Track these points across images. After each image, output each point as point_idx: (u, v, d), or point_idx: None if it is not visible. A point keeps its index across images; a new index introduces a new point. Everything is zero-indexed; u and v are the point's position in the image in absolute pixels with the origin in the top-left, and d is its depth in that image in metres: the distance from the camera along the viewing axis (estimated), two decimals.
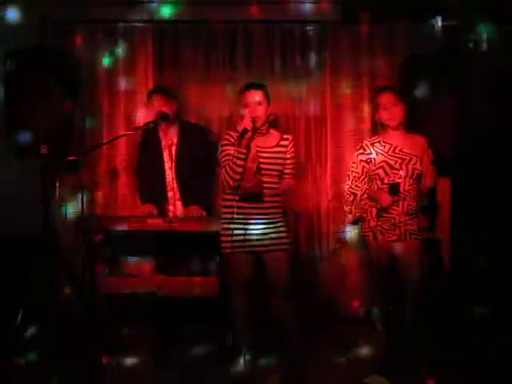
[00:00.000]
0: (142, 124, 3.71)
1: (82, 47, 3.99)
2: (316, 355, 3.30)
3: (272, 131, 3.14)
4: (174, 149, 3.64)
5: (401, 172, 3.09)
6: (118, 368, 3.22)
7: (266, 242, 3.01)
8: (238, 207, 2.99)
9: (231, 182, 2.98)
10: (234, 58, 4.08)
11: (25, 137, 3.56)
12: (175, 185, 3.63)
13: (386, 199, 3.07)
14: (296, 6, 4.05)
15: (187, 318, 3.53)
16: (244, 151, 2.93)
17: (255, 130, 2.96)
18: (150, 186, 3.67)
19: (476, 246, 3.80)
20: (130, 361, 3.32)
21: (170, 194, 3.64)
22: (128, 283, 3.54)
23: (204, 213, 3.48)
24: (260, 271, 3.09)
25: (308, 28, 4.05)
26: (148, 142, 3.67)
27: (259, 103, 3.01)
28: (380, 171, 3.12)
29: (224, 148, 3.05)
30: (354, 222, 3.24)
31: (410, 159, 3.11)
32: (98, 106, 4.06)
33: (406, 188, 3.10)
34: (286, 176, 3.14)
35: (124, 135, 3.76)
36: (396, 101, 3.14)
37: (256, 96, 3.02)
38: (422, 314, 3.09)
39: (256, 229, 3.00)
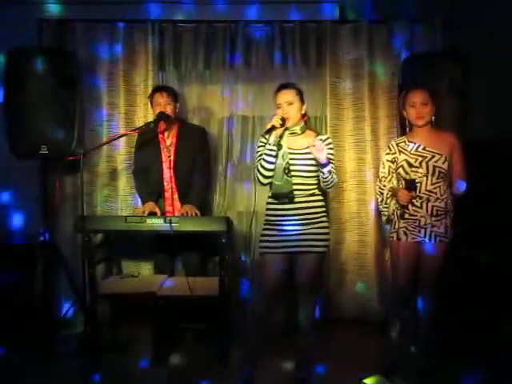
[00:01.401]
0: (142, 124, 3.73)
1: (82, 47, 3.99)
2: (316, 355, 3.30)
3: (308, 132, 3.09)
4: (173, 149, 3.64)
5: (420, 170, 3.05)
6: (117, 368, 3.22)
7: (299, 244, 2.97)
8: (275, 209, 3.01)
9: (262, 179, 3.01)
10: (234, 57, 4.08)
11: (25, 137, 3.56)
12: (173, 184, 3.64)
13: (403, 194, 3.02)
14: (296, 6, 4.05)
15: (187, 318, 3.53)
16: (274, 149, 2.94)
17: (285, 128, 2.97)
18: (149, 185, 3.67)
19: (476, 246, 3.79)
20: (129, 361, 3.32)
21: (167, 193, 3.64)
22: (128, 283, 3.54)
23: (198, 212, 3.48)
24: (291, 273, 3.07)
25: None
26: (147, 142, 3.68)
27: (290, 103, 2.99)
28: (400, 170, 3.10)
29: (259, 150, 3.07)
30: (387, 222, 3.24)
31: (432, 157, 3.04)
32: (98, 106, 4.06)
33: (429, 188, 3.05)
34: None
35: (124, 135, 3.76)
36: (426, 100, 3.09)
37: (287, 96, 3.00)
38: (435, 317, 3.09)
39: (290, 230, 2.97)
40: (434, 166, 3.04)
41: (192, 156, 3.64)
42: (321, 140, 3.00)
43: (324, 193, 3.10)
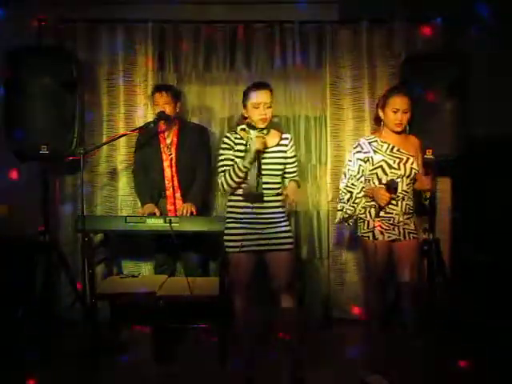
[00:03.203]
0: (142, 124, 3.72)
1: (82, 47, 3.99)
2: (316, 355, 3.30)
3: (272, 131, 3.10)
4: (174, 148, 3.66)
5: (399, 172, 3.07)
6: (117, 368, 3.22)
7: (268, 242, 3.00)
8: (242, 207, 3.00)
9: (228, 189, 3.01)
10: (234, 57, 4.08)
11: (25, 137, 3.56)
12: (175, 183, 3.65)
13: (384, 195, 3.03)
14: (295, 6, 4.05)
15: (187, 318, 3.53)
16: (248, 167, 2.92)
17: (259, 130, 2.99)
18: (149, 186, 3.68)
19: (476, 246, 3.80)
20: (129, 361, 3.32)
21: (168, 192, 3.65)
22: (128, 283, 3.54)
23: (194, 210, 3.49)
24: (263, 271, 3.08)
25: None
26: (147, 142, 3.69)
27: (268, 106, 2.98)
28: (379, 170, 3.09)
29: (223, 152, 3.04)
30: (344, 220, 3.20)
31: (408, 159, 3.08)
32: (98, 106, 4.06)
33: (404, 188, 3.08)
34: (290, 175, 3.12)
35: (124, 135, 3.76)
36: (408, 107, 3.07)
37: (265, 97, 2.98)
38: (422, 314, 3.09)
39: (258, 228, 2.99)
40: (411, 168, 3.07)
41: (193, 154, 3.65)
42: (286, 139, 3.08)
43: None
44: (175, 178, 3.65)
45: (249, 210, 2.99)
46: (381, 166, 3.08)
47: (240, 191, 3.01)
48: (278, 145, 3.07)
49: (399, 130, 3.10)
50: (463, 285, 3.71)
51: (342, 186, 3.21)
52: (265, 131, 3.03)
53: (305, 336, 3.15)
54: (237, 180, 2.96)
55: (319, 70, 4.12)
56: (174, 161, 3.65)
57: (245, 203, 3.01)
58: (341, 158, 4.08)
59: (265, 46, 4.09)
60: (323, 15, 4.09)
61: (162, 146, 3.67)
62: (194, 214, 3.49)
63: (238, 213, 3.02)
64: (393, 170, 3.07)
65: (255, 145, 2.91)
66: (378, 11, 4.02)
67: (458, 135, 3.54)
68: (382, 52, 4.05)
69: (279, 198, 3.04)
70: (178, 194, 3.65)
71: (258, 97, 2.98)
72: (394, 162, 3.07)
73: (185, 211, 3.48)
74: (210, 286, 3.34)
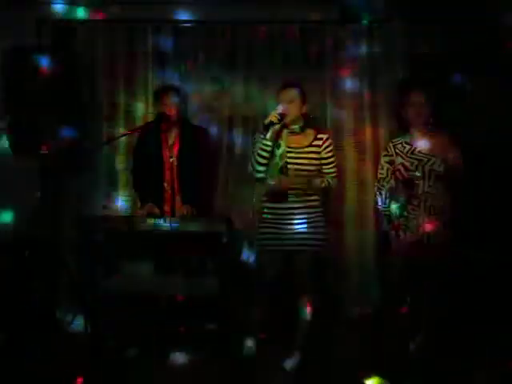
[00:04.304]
0: (142, 124, 3.73)
1: (82, 47, 3.99)
2: (316, 355, 3.30)
3: (308, 130, 3.12)
4: (175, 148, 3.65)
5: (417, 173, 3.09)
6: (118, 369, 3.22)
7: (295, 242, 3.01)
8: (271, 207, 3.05)
9: (254, 173, 3.06)
10: (234, 57, 4.08)
11: (25, 136, 3.56)
12: (175, 185, 3.64)
13: (401, 171, 3.07)
14: (296, 6, 4.05)
15: (187, 318, 3.53)
16: (269, 144, 2.96)
17: (282, 125, 3.00)
18: (150, 186, 3.68)
19: (476, 246, 3.79)
20: (129, 361, 3.32)
21: (168, 193, 3.64)
22: (128, 283, 3.54)
23: (194, 212, 3.48)
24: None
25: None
26: (148, 142, 3.68)
27: (290, 101, 3.03)
28: (397, 173, 3.13)
29: (256, 145, 3.10)
30: (387, 219, 3.26)
31: (428, 160, 3.10)
32: (97, 106, 4.06)
33: (426, 189, 3.10)
34: (327, 175, 3.10)
35: (124, 135, 3.76)
36: (425, 100, 3.15)
37: (288, 94, 3.05)
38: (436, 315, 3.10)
39: (286, 228, 3.01)
40: (430, 170, 3.09)
41: (194, 156, 3.65)
42: (321, 139, 3.04)
43: (322, 193, 3.12)
44: (175, 179, 3.65)
45: (278, 211, 3.03)
46: (399, 169, 3.11)
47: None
48: (310, 145, 3.07)
49: (419, 122, 3.16)
50: (463, 285, 3.71)
51: (375, 189, 3.33)
52: (297, 129, 3.05)
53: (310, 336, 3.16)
54: (259, 160, 3.00)
55: (319, 70, 4.12)
56: (174, 162, 3.65)
57: (271, 204, 3.06)
58: (341, 158, 4.07)
59: (265, 45, 4.10)
60: (323, 15, 4.09)
61: (163, 146, 3.67)
62: (194, 213, 3.49)
63: (265, 213, 3.09)
64: (410, 173, 3.09)
65: (268, 118, 2.96)
66: (378, 11, 4.02)
67: (458, 134, 3.54)
68: (382, 52, 4.06)
69: (309, 197, 3.05)
70: (177, 196, 3.64)
71: (279, 96, 3.08)
72: (412, 164, 3.11)
73: (185, 212, 3.48)
74: (210, 286, 3.34)
